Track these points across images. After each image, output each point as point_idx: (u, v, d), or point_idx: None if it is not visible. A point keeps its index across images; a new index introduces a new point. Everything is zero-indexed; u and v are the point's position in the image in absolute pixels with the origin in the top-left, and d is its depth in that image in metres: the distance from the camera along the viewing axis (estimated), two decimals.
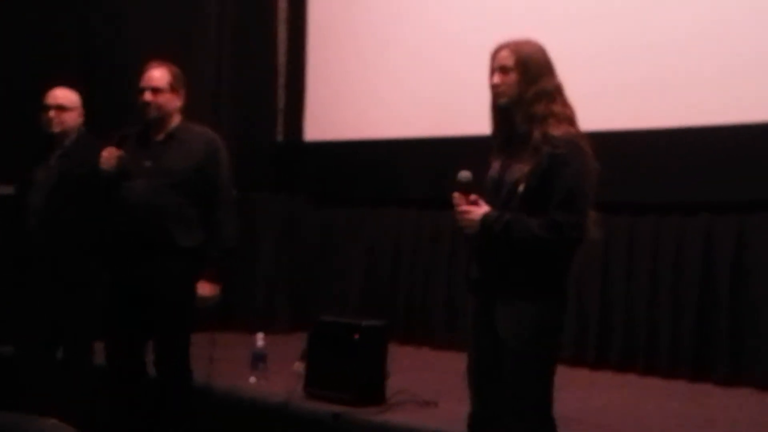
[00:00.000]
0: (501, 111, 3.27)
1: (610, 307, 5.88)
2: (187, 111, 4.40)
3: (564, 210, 3.09)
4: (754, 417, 4.70)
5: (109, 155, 4.22)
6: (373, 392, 4.60)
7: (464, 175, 3.24)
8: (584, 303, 5.88)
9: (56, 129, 4.61)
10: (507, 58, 3.23)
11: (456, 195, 3.21)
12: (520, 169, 3.16)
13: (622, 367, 5.75)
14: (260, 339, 5.26)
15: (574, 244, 3.17)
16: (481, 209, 3.18)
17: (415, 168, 6.82)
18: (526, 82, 3.19)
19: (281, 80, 7.79)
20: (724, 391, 5.27)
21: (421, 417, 4.42)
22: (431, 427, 4.21)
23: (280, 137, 7.80)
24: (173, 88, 4.32)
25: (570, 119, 3.22)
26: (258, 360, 5.17)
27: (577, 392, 4.99)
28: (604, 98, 5.78)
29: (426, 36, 6.87)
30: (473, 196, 3.20)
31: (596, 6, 6.04)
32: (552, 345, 3.24)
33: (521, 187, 3.13)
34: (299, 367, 4.84)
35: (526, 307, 3.17)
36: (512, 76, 3.21)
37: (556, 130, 3.15)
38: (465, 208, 3.20)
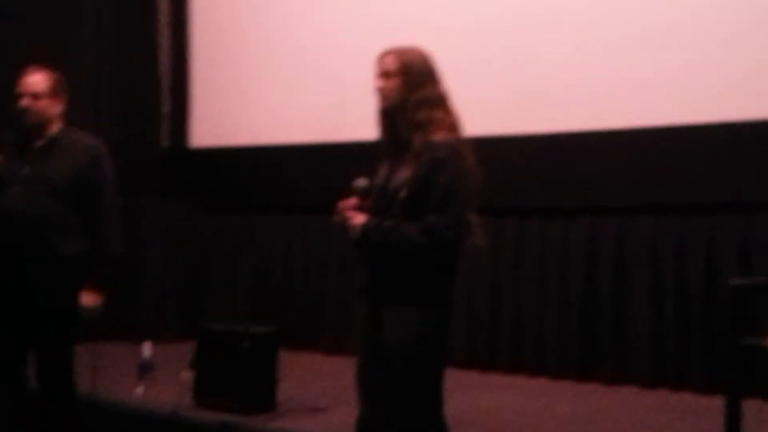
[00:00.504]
0: (386, 116, 3.29)
1: (498, 309, 5.96)
2: (68, 117, 4.28)
3: (438, 213, 3.13)
4: (636, 415, 4.82)
5: None
6: (263, 400, 4.57)
7: (360, 182, 3.27)
8: (474, 306, 5.95)
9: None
10: (391, 64, 3.25)
11: (340, 202, 3.22)
12: (402, 175, 3.19)
13: (511, 369, 5.84)
14: (147, 348, 5.16)
15: (450, 247, 3.19)
16: (362, 216, 3.20)
17: (303, 174, 6.79)
18: (409, 89, 3.22)
19: (165, 85, 7.66)
20: (609, 390, 5.40)
21: (311, 423, 4.42)
22: None
23: (165, 143, 7.67)
24: (53, 94, 4.19)
25: (452, 126, 3.25)
26: (145, 370, 5.07)
27: (468, 394, 5.05)
28: (492, 105, 5.88)
29: (312, 41, 6.85)
30: (355, 202, 3.22)
31: (485, 12, 6.12)
32: (437, 350, 3.25)
33: (402, 194, 3.16)
34: (187, 376, 4.75)
35: (410, 313, 3.19)
36: (395, 82, 3.23)
37: (437, 136, 3.18)
38: (349, 214, 3.21)
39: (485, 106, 5.81)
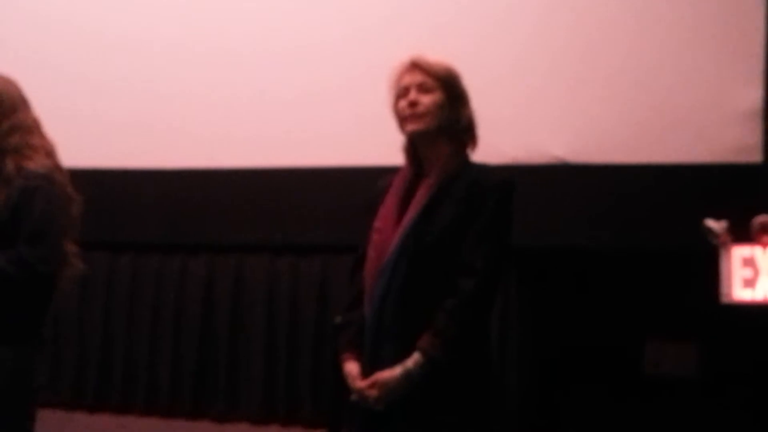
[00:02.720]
0: None
1: (111, 347, 5.78)
2: None
3: (32, 245, 3.00)
4: None
5: None
6: None
7: None
8: (84, 343, 5.73)
9: None
10: None
11: None
12: None
13: (123, 409, 5.68)
14: None
15: (43, 279, 3.07)
16: None
17: None
18: (1, 115, 3.09)
19: None
20: (222, 428, 5.42)
21: None
22: None
23: None
24: None
25: (48, 153, 3.16)
26: None
27: None
28: (110, 136, 5.75)
29: None
30: None
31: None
32: (26, 390, 3.10)
33: None
34: None
35: (4, 352, 3.03)
36: None
37: (32, 163, 3.07)
38: None
39: (104, 137, 5.68)
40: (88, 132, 5.70)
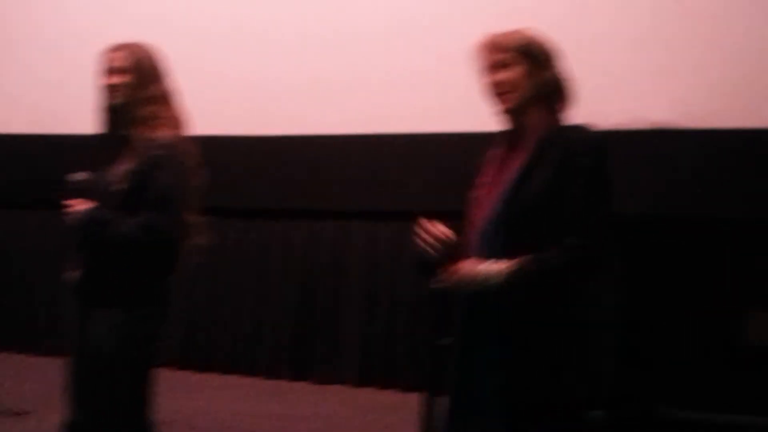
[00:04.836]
0: (111, 112, 3.24)
1: (217, 309, 5.97)
2: None
3: (156, 211, 3.11)
4: (346, 412, 4.98)
5: None
6: None
7: (76, 176, 3.19)
8: (191, 306, 5.92)
9: None
10: (122, 60, 3.20)
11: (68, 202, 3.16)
12: (120, 169, 3.15)
13: (227, 369, 5.86)
14: None
15: (167, 246, 3.18)
16: (84, 205, 3.14)
17: (21, 166, 6.52)
18: (139, 85, 3.19)
19: None
20: (321, 389, 5.55)
21: (11, 428, 4.24)
22: None
23: None
24: None
25: (176, 123, 3.25)
26: None
27: (183, 394, 5.03)
28: (221, 105, 5.90)
29: (38, 32, 6.62)
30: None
31: (219, 11, 6.12)
32: (144, 352, 3.21)
33: (117, 188, 3.12)
34: None
35: (116, 315, 3.14)
36: (126, 78, 3.19)
37: (159, 133, 3.17)
38: (71, 202, 3.15)
39: (215, 106, 5.82)
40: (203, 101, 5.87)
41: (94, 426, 3.18)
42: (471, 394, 2.64)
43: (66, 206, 3.16)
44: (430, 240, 2.64)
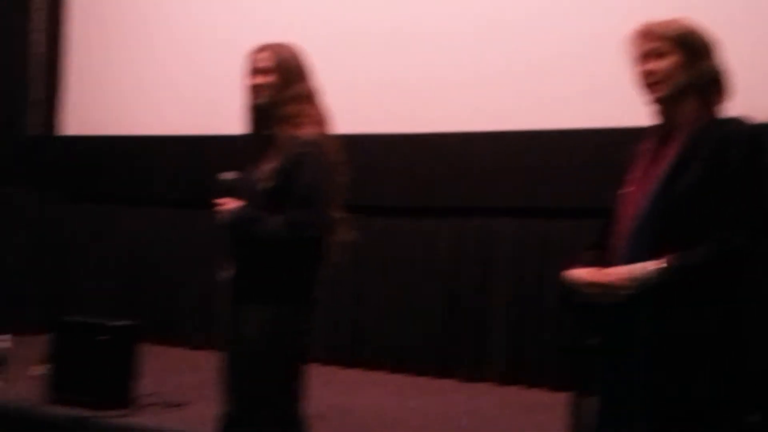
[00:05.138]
0: (256, 112, 3.31)
1: (363, 306, 6.03)
2: None
3: (301, 209, 3.15)
4: (493, 410, 4.95)
5: None
6: (120, 394, 4.50)
7: (226, 175, 3.28)
8: (337, 302, 5.99)
9: None
10: (265, 60, 3.27)
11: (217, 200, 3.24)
12: (266, 168, 3.21)
13: (373, 365, 5.91)
14: (4, 341, 5.03)
15: (313, 242, 3.21)
16: (234, 203, 3.22)
17: (170, 166, 6.74)
18: (284, 84, 3.24)
19: (36, 72, 7.48)
20: (467, 386, 5.53)
21: (167, 419, 4.38)
22: (177, 429, 4.17)
23: (34, 130, 7.49)
24: None
25: (320, 121, 3.29)
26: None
27: (329, 390, 5.09)
28: (365, 103, 5.95)
29: (191, 35, 6.82)
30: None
31: (361, 10, 6.18)
32: (293, 347, 3.27)
33: (263, 186, 3.18)
34: (39, 370, 4.65)
35: (266, 311, 3.20)
36: (269, 78, 3.25)
37: (303, 131, 3.21)
38: (221, 201, 3.23)
39: (361, 104, 5.88)
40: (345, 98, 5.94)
41: (247, 419, 3.26)
42: (621, 397, 2.58)
43: (216, 205, 3.24)
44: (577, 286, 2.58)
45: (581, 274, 2.58)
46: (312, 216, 3.15)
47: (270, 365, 3.21)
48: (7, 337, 5.07)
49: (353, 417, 4.63)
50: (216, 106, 6.38)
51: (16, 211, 7.03)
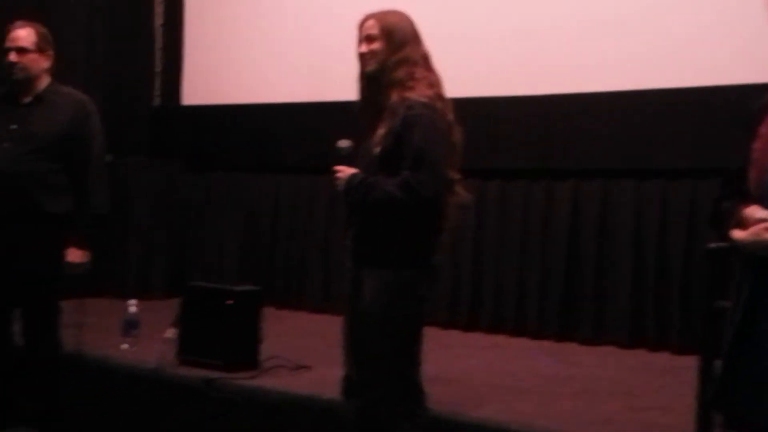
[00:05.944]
0: (368, 79, 3.33)
1: (481, 270, 6.02)
2: (58, 73, 4.29)
3: (414, 170, 3.15)
4: (615, 374, 4.90)
5: None
6: (246, 357, 4.61)
7: (343, 143, 3.32)
8: (456, 266, 6.00)
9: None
10: (373, 28, 3.30)
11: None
12: (379, 133, 3.23)
13: (493, 329, 5.92)
14: (132, 305, 5.21)
15: (429, 204, 3.21)
16: (350, 170, 3.25)
17: (292, 133, 6.82)
18: (391, 50, 3.26)
19: (158, 43, 7.67)
20: (588, 350, 5.49)
21: (293, 381, 4.46)
22: (304, 392, 4.24)
23: (156, 101, 7.70)
24: (40, 48, 4.20)
25: (431, 84, 3.29)
26: (130, 327, 5.12)
27: (449, 353, 5.13)
28: (479, 66, 5.92)
29: (301, 4, 6.87)
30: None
31: None
32: (413, 312, 3.29)
33: (377, 150, 3.21)
34: (171, 333, 4.81)
35: (386, 275, 3.23)
36: (377, 45, 3.28)
37: (414, 93, 3.22)
38: (338, 168, 3.28)
39: (472, 67, 5.85)
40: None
41: (368, 382, 3.31)
42: (750, 364, 2.48)
43: (335, 172, 3.29)
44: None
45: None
46: (426, 176, 3.15)
47: (389, 329, 3.25)
48: (134, 302, 5.23)
49: (473, 379, 4.64)
50: (328, 73, 6.44)
51: (140, 180, 7.23)
